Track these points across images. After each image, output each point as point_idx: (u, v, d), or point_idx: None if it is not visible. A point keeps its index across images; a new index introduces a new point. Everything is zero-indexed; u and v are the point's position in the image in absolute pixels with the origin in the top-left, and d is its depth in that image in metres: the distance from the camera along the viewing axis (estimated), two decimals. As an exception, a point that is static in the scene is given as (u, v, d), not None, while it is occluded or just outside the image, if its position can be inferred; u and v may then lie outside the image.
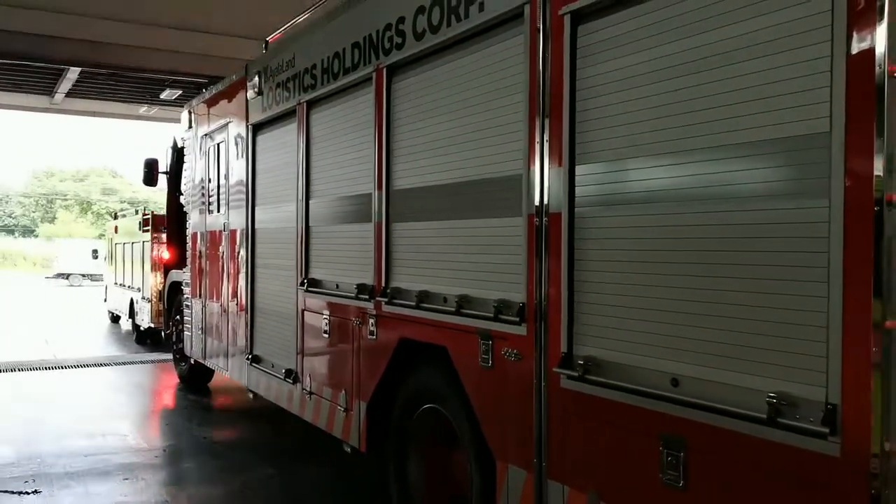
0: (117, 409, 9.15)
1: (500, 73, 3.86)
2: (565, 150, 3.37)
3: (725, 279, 2.66)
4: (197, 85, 16.48)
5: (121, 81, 18.77)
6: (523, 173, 3.65)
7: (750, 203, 2.58)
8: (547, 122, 3.49)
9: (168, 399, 10.17)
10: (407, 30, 4.67)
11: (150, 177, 11.87)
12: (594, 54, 3.27)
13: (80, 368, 12.22)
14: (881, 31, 2.18)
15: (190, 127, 9.79)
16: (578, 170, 3.34)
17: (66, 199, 73.51)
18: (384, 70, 4.92)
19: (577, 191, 3.34)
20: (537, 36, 3.55)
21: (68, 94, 21.01)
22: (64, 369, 12.11)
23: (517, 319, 3.65)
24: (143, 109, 22.59)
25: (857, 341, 2.22)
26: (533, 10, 3.57)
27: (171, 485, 6.34)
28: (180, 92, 18.59)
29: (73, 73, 17.98)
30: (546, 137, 3.50)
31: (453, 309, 4.11)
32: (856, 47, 2.24)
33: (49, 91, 20.53)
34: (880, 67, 2.18)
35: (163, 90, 18.92)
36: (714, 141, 2.70)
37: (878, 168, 2.18)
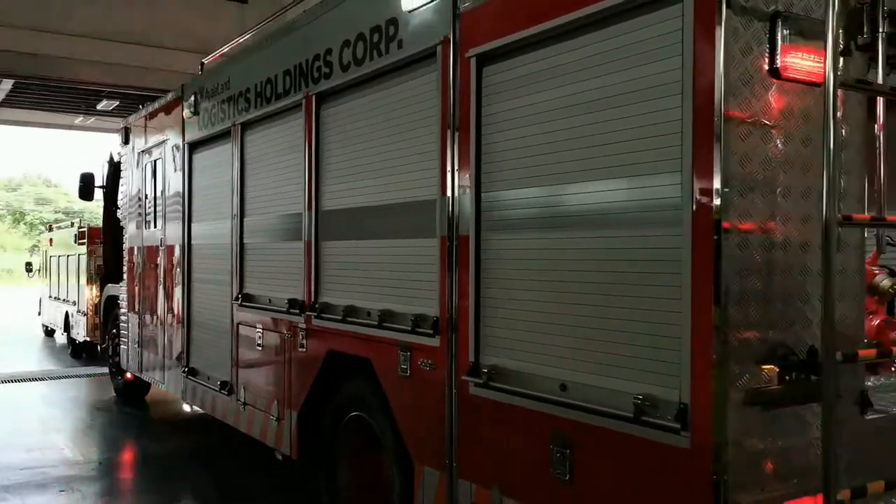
0: (53, 423, 9.19)
1: (417, 106, 4.21)
2: (472, 178, 3.74)
3: (602, 296, 3.05)
4: (136, 97, 16.48)
5: (56, 92, 18.57)
6: (437, 198, 4.00)
7: (621, 230, 2.98)
8: (456, 152, 3.85)
9: (104, 413, 10.20)
10: (334, 61, 4.99)
11: (87, 191, 11.90)
12: (496, 93, 3.64)
13: (13, 383, 12.12)
14: (719, 84, 2.59)
15: (127, 142, 9.90)
16: (484, 196, 3.71)
17: (-2, 209, 71.37)
18: (313, 97, 5.23)
19: (483, 215, 3.71)
20: (448, 74, 3.91)
21: (1, 104, 20.66)
22: (-4, 384, 12.01)
23: (431, 332, 3.99)
24: (79, 120, 22.32)
25: (702, 351, 2.62)
26: (445, 51, 3.93)
27: (107, 495, 6.49)
28: (118, 103, 18.49)
29: (7, 84, 17.75)
30: (456, 166, 3.85)
31: (376, 323, 4.44)
32: (699, 97, 2.64)
33: (-23, 100, 20.17)
34: (717, 117, 2.58)
35: (99, 101, 18.78)
36: (591, 175, 3.10)
37: (717, 201, 2.59)
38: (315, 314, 5.14)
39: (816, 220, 2.62)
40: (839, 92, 2.53)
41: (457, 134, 3.85)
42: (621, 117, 2.98)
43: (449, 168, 3.90)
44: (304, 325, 5.31)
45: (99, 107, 19.21)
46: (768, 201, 2.67)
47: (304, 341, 5.31)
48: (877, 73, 2.86)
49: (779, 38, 2.66)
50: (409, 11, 4.21)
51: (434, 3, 4.01)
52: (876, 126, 2.98)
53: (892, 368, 3.99)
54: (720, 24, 2.58)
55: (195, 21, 15.37)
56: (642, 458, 2.85)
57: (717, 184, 2.59)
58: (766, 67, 2.67)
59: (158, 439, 8.55)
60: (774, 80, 2.67)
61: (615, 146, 3.01)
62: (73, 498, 6.31)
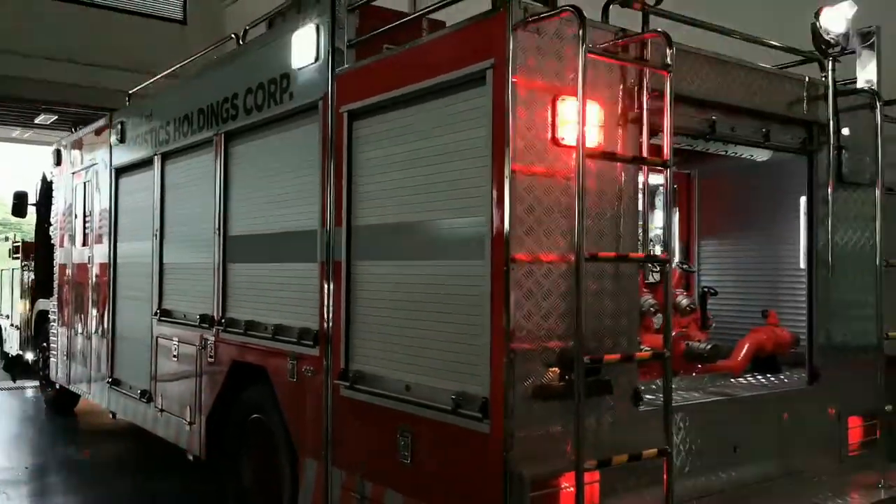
0: (-19, 434, 9.56)
1: (303, 149, 4.92)
2: (344, 213, 4.46)
3: (432, 314, 3.80)
4: (72, 112, 16.78)
5: (10, 106, 18.73)
6: (317, 229, 4.71)
7: (445, 261, 3.73)
8: (332, 191, 4.57)
9: (34, 423, 10.58)
10: (240, 105, 5.67)
11: (20, 208, 12.30)
12: (363, 144, 4.38)
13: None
14: (509, 149, 3.36)
15: (59, 163, 10.38)
16: (353, 229, 4.43)
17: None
18: (222, 135, 5.89)
19: (352, 245, 4.43)
20: (327, 125, 4.63)
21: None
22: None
23: (312, 343, 4.68)
24: (16, 133, 22.39)
25: (498, 357, 3.36)
26: (324, 105, 4.66)
27: (34, 496, 6.97)
28: (56, 117, 18.73)
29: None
30: (331, 203, 4.57)
31: (270, 336, 5.11)
32: (496, 158, 3.40)
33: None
34: (508, 174, 3.35)
35: (37, 115, 18.97)
36: (426, 216, 3.87)
37: (507, 236, 3.34)
38: (222, 328, 5.78)
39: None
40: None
41: (332, 176, 4.57)
42: (448, 170, 3.74)
43: (327, 204, 4.62)
44: (213, 338, 5.94)
45: (37, 120, 19.37)
46: (547, 240, 3.42)
47: (213, 353, 5.94)
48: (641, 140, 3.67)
49: (557, 115, 3.43)
50: (298, 69, 4.92)
51: (317, 64, 4.73)
52: (640, 181, 3.78)
53: (694, 373, 4.85)
54: (511, 104, 3.35)
55: (135, 41, 15.80)
56: (459, 441, 3.59)
57: (507, 225, 3.35)
58: (549, 137, 3.44)
59: (85, 446, 9.02)
60: (552, 147, 3.44)
61: (444, 193, 3.76)
62: (0, 500, 6.79)
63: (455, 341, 3.64)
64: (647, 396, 4.01)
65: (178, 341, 6.56)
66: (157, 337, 7.00)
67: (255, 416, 5.53)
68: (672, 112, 3.58)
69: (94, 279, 8.79)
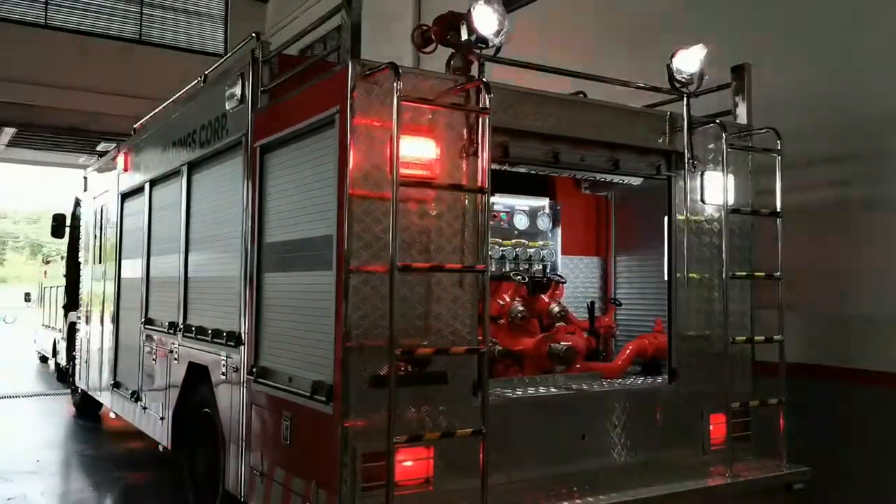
0: (10, 432, 10.67)
1: (234, 179, 5.74)
2: (255, 232, 5.25)
3: (303, 316, 4.55)
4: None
5: (58, 134, 20.35)
6: (240, 247, 5.51)
7: (312, 271, 4.47)
8: (249, 214, 5.37)
9: (56, 424, 11.65)
10: (197, 139, 6.56)
11: (58, 230, 13.55)
12: (269, 174, 5.18)
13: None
14: (348, 179, 4.09)
15: (86, 189, 11.54)
16: (264, 246, 5.22)
17: (17, 241, 73.66)
18: (187, 165, 6.79)
19: (262, 259, 5.22)
20: (246, 158, 5.45)
21: (9, 145, 22.45)
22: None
23: (234, 344, 5.48)
24: (82, 159, 24.04)
25: (340, 351, 4.08)
26: (246, 141, 5.48)
27: (38, 481, 7.96)
28: (115, 144, 20.20)
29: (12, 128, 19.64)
30: (250, 224, 5.36)
31: (209, 338, 5.93)
32: (340, 186, 4.14)
33: (-8, 141, 22.03)
34: (347, 200, 4.08)
35: (99, 142, 20.46)
36: (301, 234, 4.62)
37: (346, 250, 4.07)
38: (183, 333, 6.64)
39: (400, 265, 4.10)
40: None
41: (250, 201, 5.38)
42: (314, 197, 4.50)
43: (247, 224, 5.42)
44: (177, 342, 6.80)
45: (99, 148, 20.85)
46: (382, 253, 4.11)
47: (177, 355, 6.80)
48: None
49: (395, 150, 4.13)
50: (231, 110, 5.76)
51: (241, 107, 5.56)
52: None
53: (563, 373, 5.45)
54: (350, 142, 4.09)
55: (183, 75, 17.07)
56: (315, 422, 4.32)
57: (345, 241, 4.08)
58: (383, 168, 4.15)
59: (94, 444, 10.00)
60: (387, 176, 4.12)
61: (312, 215, 4.52)
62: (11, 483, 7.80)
63: (315, 339, 4.38)
64: (502, 390, 4.67)
65: (156, 346, 7.46)
66: (143, 343, 7.92)
67: (205, 410, 6.35)
68: (490, 146, 4.25)
69: (105, 293, 9.82)
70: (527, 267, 5.71)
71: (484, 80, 4.31)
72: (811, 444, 5.62)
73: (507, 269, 5.61)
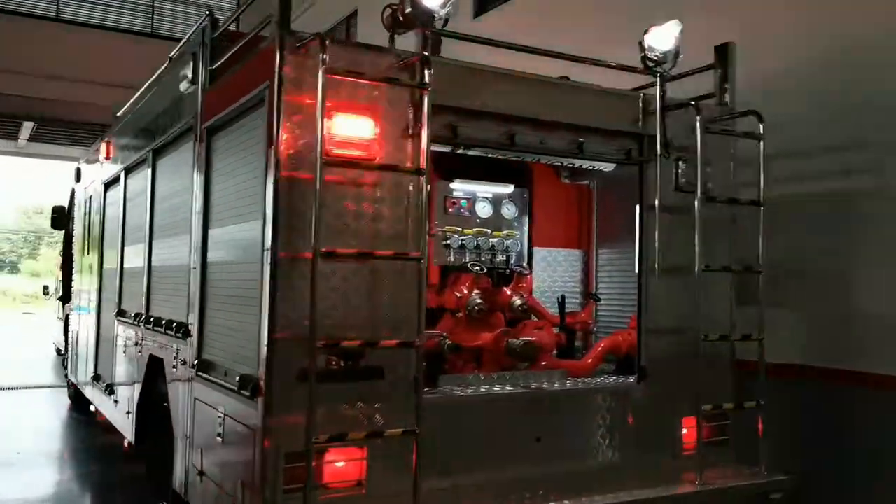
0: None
1: (189, 163, 5.49)
2: (202, 220, 5.00)
3: (236, 308, 4.28)
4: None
5: (75, 128, 20.42)
6: (190, 235, 5.26)
7: (245, 262, 4.20)
8: (199, 199, 5.11)
9: (50, 417, 11.54)
10: (159, 125, 6.33)
11: (59, 222, 13.45)
12: (216, 157, 4.92)
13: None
14: (278, 166, 3.82)
15: (78, 180, 11.41)
16: (209, 234, 4.96)
17: (52, 237, 74.53)
18: (151, 153, 6.57)
19: (208, 250, 4.96)
20: (198, 140, 5.19)
21: (30, 139, 22.61)
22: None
23: (182, 336, 5.23)
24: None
25: (267, 345, 3.80)
26: (195, 125, 5.22)
27: (15, 472, 7.82)
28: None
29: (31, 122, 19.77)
30: (199, 211, 5.10)
31: (163, 330, 5.70)
32: (269, 174, 3.87)
33: (14, 136, 22.20)
34: (275, 188, 3.80)
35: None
36: (238, 223, 4.35)
37: (274, 238, 3.78)
38: (145, 325, 6.42)
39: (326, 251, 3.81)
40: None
41: (199, 186, 5.12)
42: (249, 181, 4.23)
43: (195, 211, 5.17)
44: (141, 334, 6.59)
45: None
46: (306, 241, 3.82)
47: (141, 348, 6.59)
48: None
49: (326, 132, 3.83)
50: (184, 92, 5.52)
51: (193, 88, 5.31)
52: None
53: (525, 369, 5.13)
54: (281, 121, 3.81)
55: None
56: (243, 418, 4.06)
57: (272, 227, 3.80)
58: (316, 149, 3.86)
59: (81, 438, 9.87)
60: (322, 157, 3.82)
61: (246, 201, 4.25)
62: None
63: (247, 331, 4.11)
64: (451, 387, 4.38)
65: (125, 338, 7.25)
66: (116, 335, 7.72)
67: (164, 404, 6.12)
68: (430, 124, 3.95)
69: (91, 285, 9.66)
70: (489, 257, 5.39)
71: (425, 53, 4.01)
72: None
73: (468, 259, 5.29)
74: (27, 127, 20.50)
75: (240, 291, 4.26)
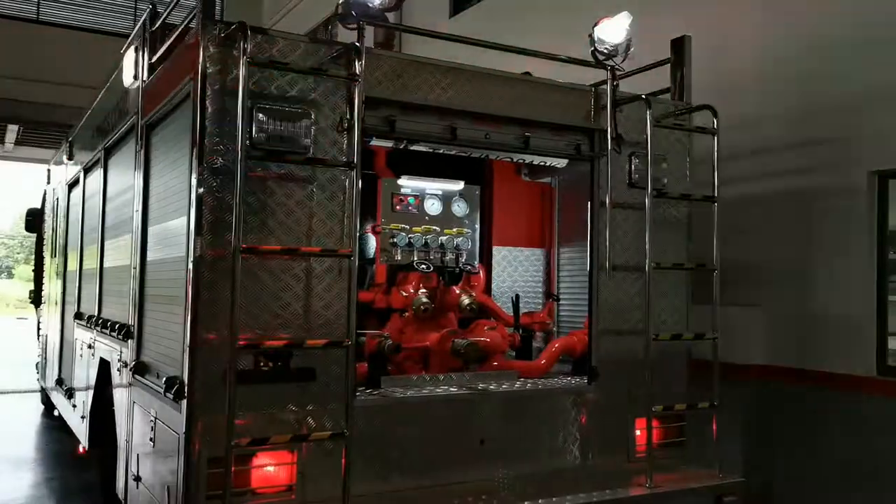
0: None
1: (131, 161, 5.36)
2: (140, 218, 4.86)
3: (166, 308, 4.14)
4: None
5: (61, 131, 20.15)
6: (131, 233, 5.12)
7: (174, 261, 4.06)
8: (140, 197, 4.97)
9: (21, 422, 11.35)
10: (109, 123, 6.19)
11: (33, 224, 13.29)
12: (153, 154, 4.79)
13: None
14: (201, 154, 3.68)
15: (48, 181, 11.26)
16: (149, 231, 4.82)
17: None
18: (103, 151, 6.43)
19: (146, 249, 4.82)
20: (138, 137, 5.06)
21: (17, 143, 22.39)
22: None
23: (124, 337, 5.09)
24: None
25: (191, 345, 3.66)
26: (136, 123, 5.09)
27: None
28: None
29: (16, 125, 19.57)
30: (139, 209, 4.96)
31: (108, 332, 5.56)
32: (194, 162, 3.73)
33: (0, 139, 22.00)
34: (195, 176, 3.67)
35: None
36: (170, 220, 4.22)
37: (196, 232, 3.65)
38: (96, 327, 6.27)
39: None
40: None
41: (139, 184, 4.98)
42: (178, 177, 4.09)
43: (136, 208, 5.03)
44: (93, 337, 6.44)
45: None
46: (241, 236, 3.67)
47: (94, 351, 6.44)
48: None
49: (252, 125, 3.71)
50: (128, 88, 5.38)
51: (136, 84, 5.18)
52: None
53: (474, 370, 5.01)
54: (205, 114, 3.67)
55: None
56: (169, 422, 3.92)
57: (194, 223, 3.67)
58: (241, 142, 3.72)
59: (47, 443, 9.70)
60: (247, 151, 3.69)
61: (176, 196, 4.11)
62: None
63: (175, 331, 3.97)
64: (391, 388, 4.24)
65: (81, 341, 7.11)
66: (74, 338, 7.58)
67: (113, 408, 5.97)
68: (362, 117, 3.82)
69: (56, 287, 9.51)
70: (439, 256, 5.25)
71: (356, 44, 3.88)
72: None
73: (416, 257, 5.15)
74: (12, 130, 20.31)
75: (170, 290, 4.12)
